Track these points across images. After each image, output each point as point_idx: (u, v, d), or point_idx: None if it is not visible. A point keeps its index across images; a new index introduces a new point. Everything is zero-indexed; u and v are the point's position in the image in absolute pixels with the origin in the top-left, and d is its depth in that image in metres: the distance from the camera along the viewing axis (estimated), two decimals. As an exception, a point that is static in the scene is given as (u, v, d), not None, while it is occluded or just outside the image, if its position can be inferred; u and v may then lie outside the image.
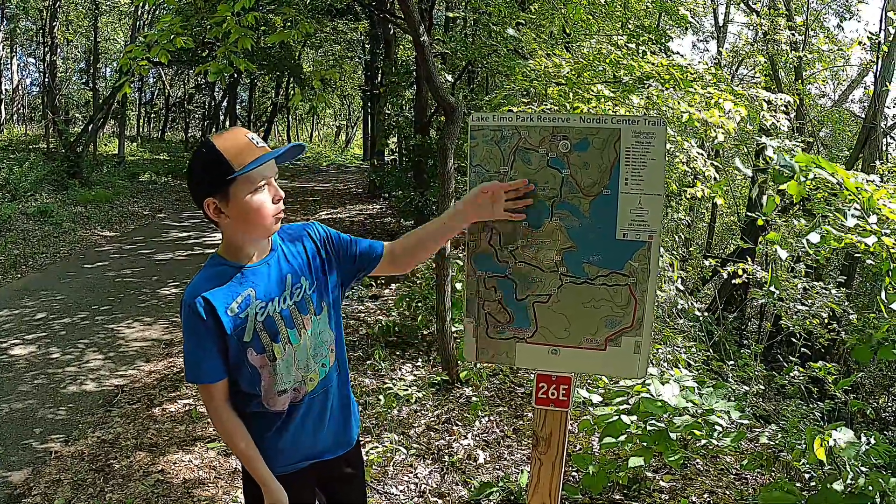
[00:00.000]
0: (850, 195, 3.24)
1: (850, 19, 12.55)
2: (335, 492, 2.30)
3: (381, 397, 5.22)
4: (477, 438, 4.75)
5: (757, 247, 9.22)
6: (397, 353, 6.43)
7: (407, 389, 5.37)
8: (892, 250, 3.09)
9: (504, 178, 2.10)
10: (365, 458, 4.29)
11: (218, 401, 2.01)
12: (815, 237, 3.19)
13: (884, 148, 11.51)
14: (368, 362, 6.09)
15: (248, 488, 2.19)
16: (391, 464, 4.30)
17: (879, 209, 3.21)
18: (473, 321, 2.22)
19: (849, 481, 2.81)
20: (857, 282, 9.76)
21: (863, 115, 12.48)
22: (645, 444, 3.49)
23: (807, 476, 3.94)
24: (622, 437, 3.59)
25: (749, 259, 8.11)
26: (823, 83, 15.64)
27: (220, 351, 1.95)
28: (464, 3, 11.15)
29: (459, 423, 4.95)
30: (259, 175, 1.89)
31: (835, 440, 2.68)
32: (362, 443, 4.48)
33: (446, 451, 4.53)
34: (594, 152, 2.02)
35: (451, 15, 12.19)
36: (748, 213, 11.27)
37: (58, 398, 5.41)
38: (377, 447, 4.47)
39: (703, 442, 3.73)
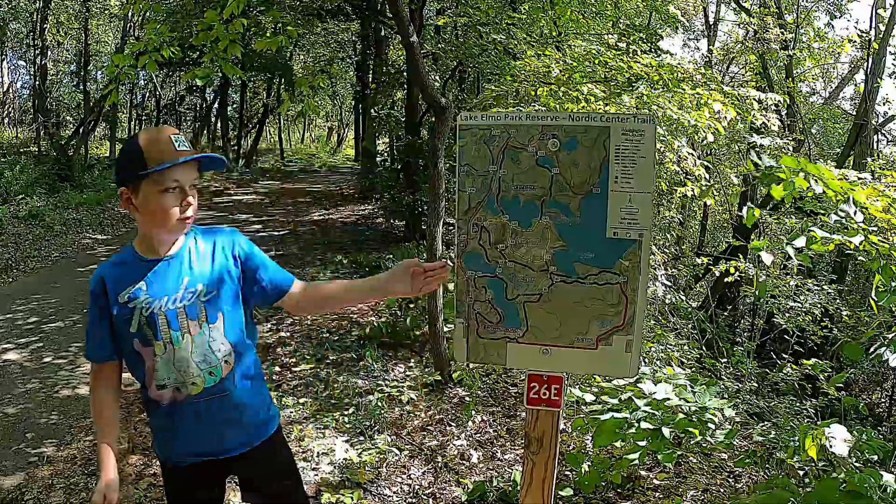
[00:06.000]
0: (836, 196, 3.25)
1: (840, 17, 12.58)
2: (258, 486, 2.32)
3: (373, 398, 5.21)
4: (470, 438, 4.74)
5: (749, 245, 9.22)
6: (390, 353, 6.42)
7: (399, 390, 5.36)
8: (880, 248, 3.10)
9: (493, 178, 2.10)
10: (358, 459, 4.28)
11: (96, 380, 2.14)
12: (800, 242, 3.19)
13: (875, 145, 11.54)
14: (361, 363, 6.07)
15: (167, 488, 2.29)
16: (384, 465, 4.29)
17: (866, 208, 3.22)
18: (464, 322, 2.22)
19: (843, 477, 2.81)
20: (848, 279, 9.79)
21: (853, 112, 12.51)
22: (639, 441, 3.49)
23: (801, 473, 3.95)
24: (616, 435, 3.59)
25: (741, 256, 8.12)
26: (814, 81, 15.69)
27: (109, 333, 2.05)
28: (454, 5, 11.13)
29: (452, 424, 4.94)
30: (170, 177, 1.94)
31: (829, 437, 2.68)
32: (355, 444, 4.49)
33: (439, 451, 4.53)
34: (583, 151, 2.02)
35: (440, 23, 12.17)
36: (739, 213, 11.28)
37: (50, 403, 5.37)
38: (370, 449, 4.46)
39: (697, 439, 3.73)
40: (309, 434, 4.63)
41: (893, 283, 2.98)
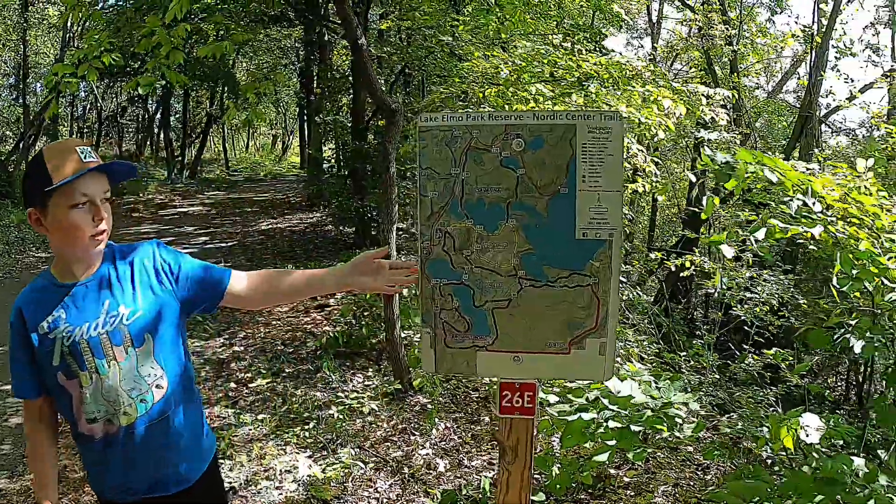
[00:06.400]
0: (793, 187, 3.27)
1: (780, 13, 12.87)
2: None
3: (333, 410, 5.08)
4: (435, 447, 4.66)
5: (700, 237, 9.37)
6: (347, 363, 6.27)
7: (360, 401, 5.23)
8: (838, 238, 3.11)
9: (456, 180, 2.02)
10: (322, 474, 4.16)
11: (28, 419, 2.02)
12: (760, 233, 3.20)
13: (819, 136, 11.82)
14: (318, 375, 5.92)
15: None
16: (350, 479, 4.17)
17: (823, 198, 3.24)
18: (430, 332, 2.13)
19: (815, 465, 2.82)
20: (799, 267, 9.98)
21: (797, 105, 12.79)
22: (608, 441, 3.45)
23: (769, 462, 3.96)
24: (584, 436, 3.54)
25: (696, 250, 8.22)
26: (757, 76, 16.01)
27: (33, 367, 1.93)
28: (398, 9, 11.04)
29: (416, 433, 4.85)
30: (78, 191, 1.82)
31: (804, 426, 2.68)
32: (318, 459, 4.36)
33: (405, 462, 4.43)
34: (549, 150, 1.95)
35: (383, 27, 12.08)
36: (689, 207, 11.44)
37: (0, 432, 5.13)
38: (334, 463, 4.33)
39: (664, 435, 3.71)
40: (270, 451, 4.48)
41: (854, 271, 2.99)
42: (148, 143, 30.00)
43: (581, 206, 1.95)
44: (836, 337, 3.01)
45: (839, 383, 8.74)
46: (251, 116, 6.81)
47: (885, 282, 2.88)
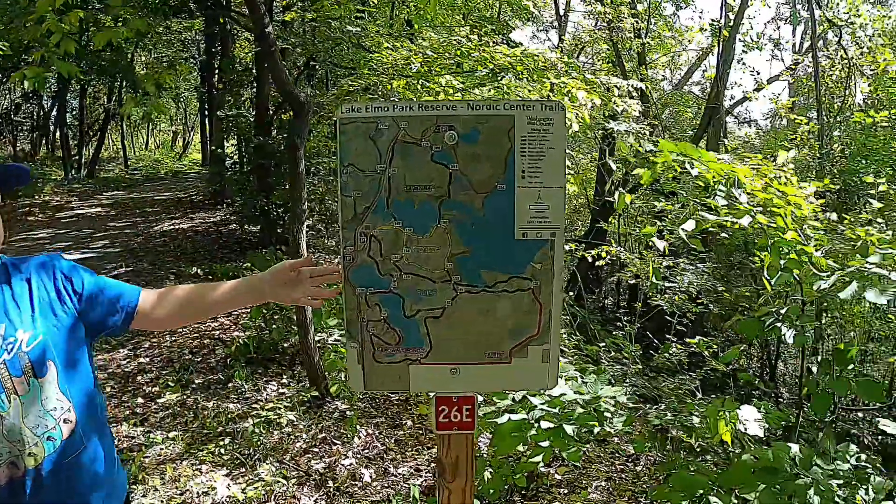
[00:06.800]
0: (715, 178, 3.24)
1: (685, 8, 13.25)
2: None
3: (248, 423, 4.78)
4: (359, 456, 4.46)
5: (609, 227, 9.49)
6: (259, 370, 5.95)
7: (276, 411, 4.95)
8: (766, 228, 3.10)
9: (382, 178, 1.84)
10: (243, 495, 3.90)
11: None
12: (689, 225, 3.17)
13: (725, 126, 12.18)
14: (230, 385, 5.60)
15: None
16: (272, 497, 3.91)
17: (744, 187, 3.23)
18: (357, 346, 1.94)
19: (752, 454, 2.79)
20: (711, 252, 10.27)
21: (702, 96, 13.13)
22: (541, 442, 3.34)
23: (699, 450, 3.95)
24: (517, 438, 3.42)
25: (611, 240, 8.27)
26: (662, 68, 16.37)
27: None
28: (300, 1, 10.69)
29: (337, 442, 4.64)
30: None
31: (744, 420, 2.64)
32: (236, 477, 4.10)
33: (328, 474, 4.21)
34: (485, 143, 1.79)
35: (287, 18, 11.70)
36: (597, 197, 11.59)
37: None
38: (254, 481, 4.06)
39: (597, 431, 3.64)
40: (185, 472, 4.15)
41: (782, 262, 2.98)
42: (43, 141, 28.43)
43: (520, 203, 1.80)
44: (766, 325, 2.99)
45: (752, 364, 9.00)
46: (150, 109, 6.40)
47: (814, 269, 2.87)
